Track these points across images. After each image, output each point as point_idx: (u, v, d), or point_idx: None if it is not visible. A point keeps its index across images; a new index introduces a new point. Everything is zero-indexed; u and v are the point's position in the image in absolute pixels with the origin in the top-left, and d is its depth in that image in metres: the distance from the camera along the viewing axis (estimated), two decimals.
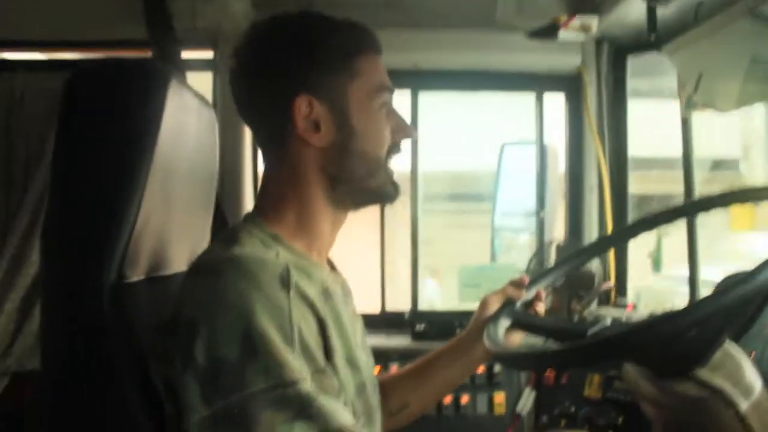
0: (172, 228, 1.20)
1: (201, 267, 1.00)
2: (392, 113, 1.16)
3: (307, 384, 0.91)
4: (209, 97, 2.31)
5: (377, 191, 1.15)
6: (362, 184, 1.13)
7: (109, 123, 1.04)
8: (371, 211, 1.37)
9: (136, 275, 1.08)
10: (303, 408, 0.90)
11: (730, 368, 1.02)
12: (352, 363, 1.06)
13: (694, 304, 0.90)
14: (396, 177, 1.17)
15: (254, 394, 0.89)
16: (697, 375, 1.02)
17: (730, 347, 1.05)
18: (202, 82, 2.31)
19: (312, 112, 1.08)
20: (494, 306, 1.35)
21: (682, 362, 1.03)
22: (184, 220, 1.26)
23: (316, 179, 1.11)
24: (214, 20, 2.21)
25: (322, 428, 0.90)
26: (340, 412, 0.94)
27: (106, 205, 1.02)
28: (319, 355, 0.96)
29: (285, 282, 0.95)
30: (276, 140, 1.12)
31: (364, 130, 1.11)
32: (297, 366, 0.91)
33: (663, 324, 0.90)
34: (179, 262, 1.23)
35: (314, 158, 1.11)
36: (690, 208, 1.36)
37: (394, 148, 1.16)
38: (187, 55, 2.25)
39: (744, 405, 0.99)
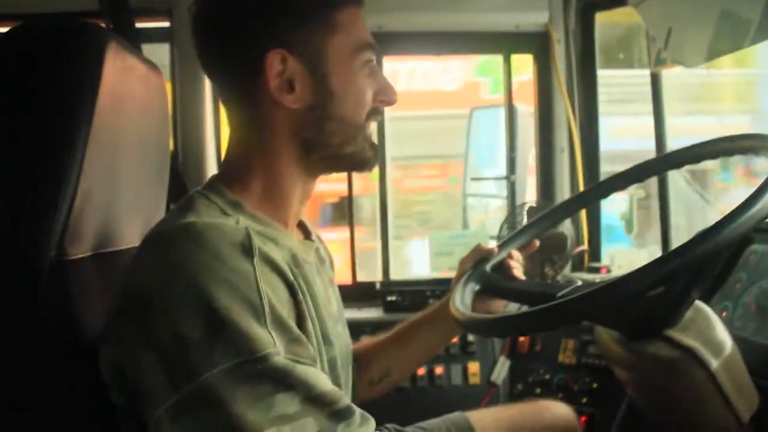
0: (120, 199, 1.13)
1: (154, 238, 0.93)
2: (375, 74, 1.06)
3: (281, 357, 0.84)
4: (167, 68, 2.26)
5: (355, 157, 1.07)
6: (338, 150, 1.05)
7: (40, 87, 0.97)
8: None
9: (81, 251, 1.01)
10: (281, 379, 0.83)
11: (700, 327, 1.01)
12: (324, 337, 1.01)
13: (658, 259, 0.86)
14: (374, 139, 1.09)
15: (225, 372, 0.81)
16: (668, 335, 1.00)
17: (700, 306, 1.04)
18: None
19: (286, 70, 0.99)
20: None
21: (652, 323, 1.01)
22: (135, 190, 1.20)
23: (287, 144, 1.03)
24: None
25: (303, 396, 0.84)
26: (320, 377, 0.88)
27: (43, 176, 0.95)
28: (291, 322, 0.89)
29: (247, 249, 0.87)
30: (244, 100, 1.03)
31: (344, 92, 1.02)
32: (268, 338, 0.84)
33: (628, 282, 0.87)
34: (130, 236, 1.17)
35: (287, 121, 1.02)
36: (659, 165, 1.31)
37: (374, 112, 1.07)
38: (141, 25, 2.19)
39: (714, 363, 0.99)
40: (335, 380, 1.04)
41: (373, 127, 1.09)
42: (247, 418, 0.81)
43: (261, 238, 0.92)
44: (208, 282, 0.83)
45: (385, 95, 1.07)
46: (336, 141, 1.04)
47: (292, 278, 0.92)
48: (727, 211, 0.88)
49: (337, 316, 1.14)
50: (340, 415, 0.87)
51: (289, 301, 0.91)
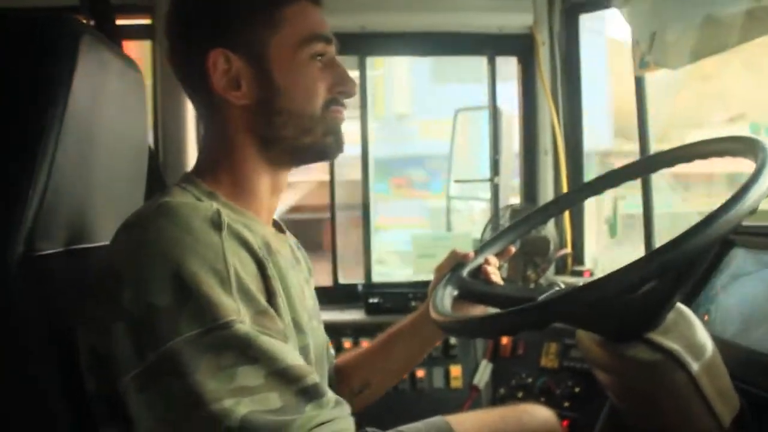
0: (95, 196, 1.12)
1: (128, 221, 0.93)
2: (329, 66, 1.07)
3: (245, 325, 0.84)
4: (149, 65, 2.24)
5: (315, 147, 1.07)
6: (295, 142, 1.06)
7: (13, 79, 0.96)
8: None
9: (51, 247, 0.99)
10: (244, 350, 0.82)
11: (681, 330, 1.00)
12: (296, 324, 1.00)
13: (639, 260, 0.85)
14: (340, 127, 1.09)
15: (189, 340, 0.81)
16: (649, 338, 0.99)
17: (682, 309, 1.03)
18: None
19: (231, 68, 1.01)
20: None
21: (633, 326, 1.00)
22: (110, 186, 1.18)
23: (245, 140, 1.05)
24: None
25: (268, 370, 0.83)
26: (288, 351, 0.87)
27: (12, 170, 0.94)
28: (259, 295, 0.89)
29: (216, 223, 0.89)
30: (199, 99, 1.07)
31: (290, 87, 1.03)
32: (234, 306, 0.84)
33: (609, 283, 0.86)
34: (105, 232, 1.14)
35: (239, 118, 1.04)
36: (639, 168, 1.30)
37: (332, 103, 1.07)
38: (123, 22, 2.17)
39: (695, 367, 0.98)
40: None
41: (338, 117, 1.08)
42: (206, 387, 0.80)
43: (233, 221, 0.93)
44: (176, 252, 0.85)
45: (342, 86, 1.07)
46: (290, 133, 1.05)
47: (261, 256, 0.93)
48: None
49: (312, 311, 1.13)
50: (309, 393, 0.85)
51: (257, 276, 0.91)
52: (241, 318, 0.84)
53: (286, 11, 1.03)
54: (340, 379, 1.33)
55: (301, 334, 1.01)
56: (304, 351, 1.01)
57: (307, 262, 1.23)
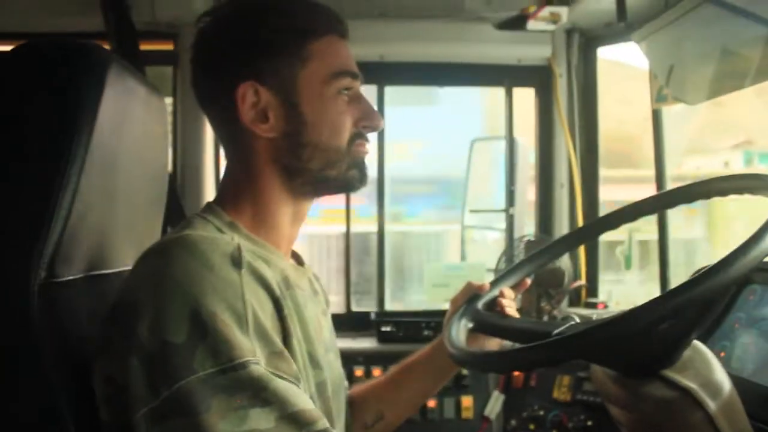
0: (115, 222, 1.12)
1: (149, 251, 0.93)
2: (356, 100, 1.08)
3: (260, 366, 0.84)
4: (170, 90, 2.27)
5: (339, 180, 1.08)
6: (320, 174, 1.06)
7: (40, 107, 0.97)
8: None
9: (71, 273, 1.00)
10: (257, 392, 0.82)
11: (698, 368, 0.99)
12: (313, 359, 1.00)
13: (657, 298, 0.85)
14: (365, 160, 1.10)
15: (203, 378, 0.81)
16: (665, 375, 0.98)
17: (698, 346, 1.02)
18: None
19: (259, 101, 1.02)
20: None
21: (649, 362, 0.99)
22: (131, 213, 1.19)
23: (270, 171, 1.06)
24: (173, 12, 2.17)
25: (279, 413, 0.83)
26: (300, 395, 0.86)
27: (36, 196, 0.94)
28: (275, 336, 0.89)
29: (236, 261, 0.89)
30: (226, 130, 1.07)
31: (317, 120, 1.04)
32: (249, 347, 0.84)
33: (626, 320, 0.86)
34: (124, 258, 1.16)
35: (265, 149, 1.05)
36: (656, 204, 1.30)
37: (358, 137, 1.08)
38: (147, 47, 2.20)
39: (713, 406, 0.96)
40: (326, 407, 1.03)
41: (362, 150, 1.09)
42: (217, 428, 0.80)
43: (253, 256, 0.93)
44: (195, 288, 0.85)
45: (368, 121, 1.08)
46: (316, 166, 1.05)
47: (278, 294, 0.93)
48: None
49: (329, 344, 1.13)
50: None
51: (274, 316, 0.92)
52: (256, 359, 0.84)
53: (314, 45, 1.04)
54: (353, 412, 1.32)
55: (317, 369, 1.01)
56: (321, 386, 1.01)
57: (324, 294, 1.23)
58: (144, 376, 0.83)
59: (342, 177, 1.07)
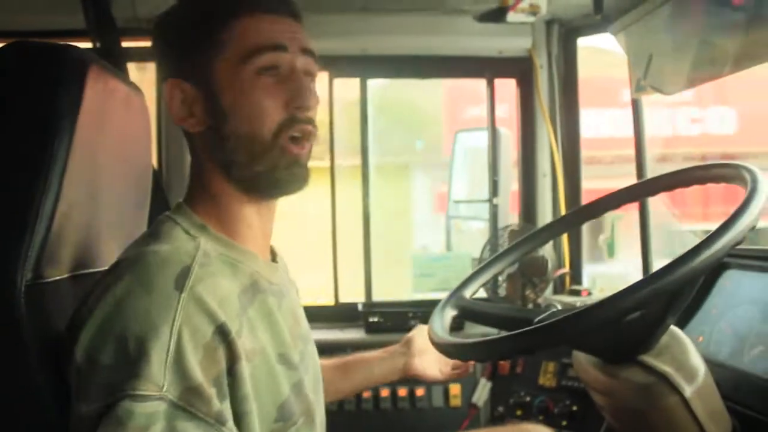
0: (100, 221, 1.13)
1: (114, 264, 0.95)
2: (286, 80, 0.98)
3: (162, 402, 0.82)
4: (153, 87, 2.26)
5: (269, 178, 0.99)
6: (249, 170, 0.99)
7: (22, 109, 0.97)
8: None
9: (58, 273, 1.01)
10: (146, 427, 0.81)
11: (674, 352, 1.02)
12: (286, 361, 1.00)
13: (633, 285, 0.87)
14: (303, 158, 1.00)
15: (118, 402, 0.81)
16: (643, 360, 1.01)
17: (675, 332, 1.05)
18: None
19: (185, 97, 1.00)
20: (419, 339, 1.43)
21: (627, 348, 1.02)
22: (115, 211, 1.20)
23: (211, 167, 1.02)
24: (154, 8, 2.15)
25: None
26: None
27: (19, 198, 0.95)
28: (197, 370, 0.85)
29: (180, 284, 0.87)
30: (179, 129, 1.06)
31: (236, 108, 0.97)
32: (159, 380, 0.82)
33: (604, 308, 0.88)
34: (110, 256, 1.16)
35: (201, 145, 1.02)
36: (637, 192, 1.32)
37: (291, 122, 0.98)
38: (128, 44, 2.19)
39: (688, 390, 0.99)
40: (305, 404, 1.02)
41: (293, 148, 0.99)
42: None
43: (221, 265, 0.94)
44: (130, 311, 0.85)
45: (298, 101, 0.98)
46: (242, 160, 0.99)
47: (223, 318, 0.88)
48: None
49: (306, 336, 1.13)
50: None
51: (211, 344, 0.87)
52: (161, 394, 0.82)
53: (229, 29, 0.98)
54: None
55: (291, 371, 1.00)
56: (297, 387, 1.01)
57: (295, 285, 1.22)
58: (75, 387, 0.86)
59: (271, 175, 0.99)
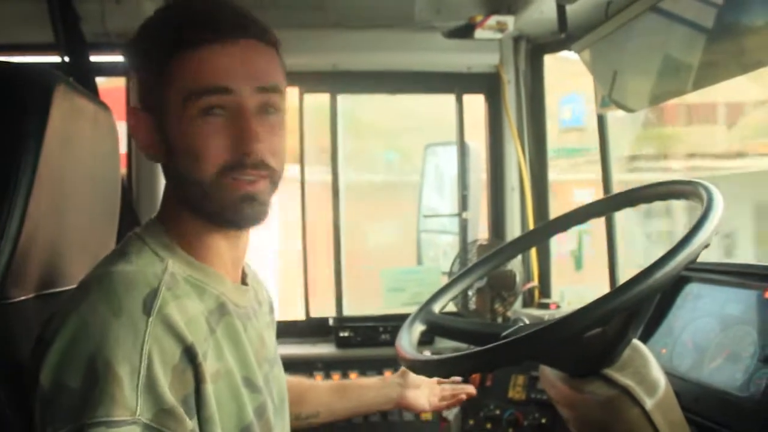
0: (67, 239, 1.13)
1: (81, 283, 0.93)
2: (230, 119, 0.93)
3: (137, 426, 0.81)
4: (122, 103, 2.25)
5: (219, 217, 0.97)
6: (201, 207, 0.96)
7: None
8: None
9: (23, 293, 1.00)
10: None
11: (636, 366, 1.03)
12: (250, 384, 0.99)
13: (595, 301, 0.89)
14: (259, 194, 0.96)
15: (90, 429, 0.80)
16: (606, 374, 1.02)
17: (638, 345, 1.06)
18: None
19: (142, 126, 0.97)
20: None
21: (591, 362, 1.03)
22: (83, 229, 1.19)
23: (175, 195, 1.00)
24: (124, 23, 2.15)
25: None
26: None
27: None
28: (168, 393, 0.84)
29: (147, 307, 0.86)
30: None
31: (182, 147, 0.93)
32: (132, 404, 0.82)
33: (566, 324, 0.89)
34: (77, 275, 1.15)
35: (165, 174, 1.00)
36: (605, 206, 1.35)
37: (236, 166, 0.93)
38: (98, 59, 2.19)
39: (649, 402, 1.01)
40: (266, 428, 1.02)
41: (237, 187, 0.94)
42: None
43: (187, 287, 0.93)
44: (98, 334, 0.84)
45: (243, 146, 0.92)
46: (192, 197, 0.96)
47: (191, 341, 0.88)
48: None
49: (273, 359, 1.13)
50: None
51: (179, 366, 0.87)
52: (135, 418, 0.82)
53: (178, 60, 0.92)
54: (291, 400, 1.33)
55: (255, 393, 1.00)
56: (259, 410, 1.01)
57: (270, 299, 1.23)
58: (39, 412, 0.84)
59: (221, 213, 0.96)
